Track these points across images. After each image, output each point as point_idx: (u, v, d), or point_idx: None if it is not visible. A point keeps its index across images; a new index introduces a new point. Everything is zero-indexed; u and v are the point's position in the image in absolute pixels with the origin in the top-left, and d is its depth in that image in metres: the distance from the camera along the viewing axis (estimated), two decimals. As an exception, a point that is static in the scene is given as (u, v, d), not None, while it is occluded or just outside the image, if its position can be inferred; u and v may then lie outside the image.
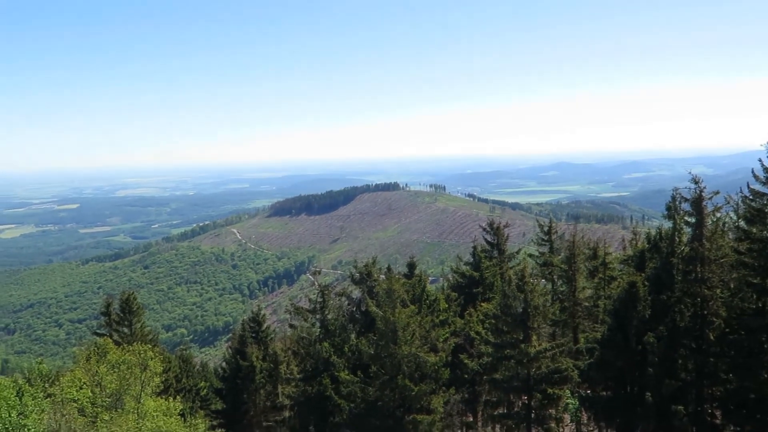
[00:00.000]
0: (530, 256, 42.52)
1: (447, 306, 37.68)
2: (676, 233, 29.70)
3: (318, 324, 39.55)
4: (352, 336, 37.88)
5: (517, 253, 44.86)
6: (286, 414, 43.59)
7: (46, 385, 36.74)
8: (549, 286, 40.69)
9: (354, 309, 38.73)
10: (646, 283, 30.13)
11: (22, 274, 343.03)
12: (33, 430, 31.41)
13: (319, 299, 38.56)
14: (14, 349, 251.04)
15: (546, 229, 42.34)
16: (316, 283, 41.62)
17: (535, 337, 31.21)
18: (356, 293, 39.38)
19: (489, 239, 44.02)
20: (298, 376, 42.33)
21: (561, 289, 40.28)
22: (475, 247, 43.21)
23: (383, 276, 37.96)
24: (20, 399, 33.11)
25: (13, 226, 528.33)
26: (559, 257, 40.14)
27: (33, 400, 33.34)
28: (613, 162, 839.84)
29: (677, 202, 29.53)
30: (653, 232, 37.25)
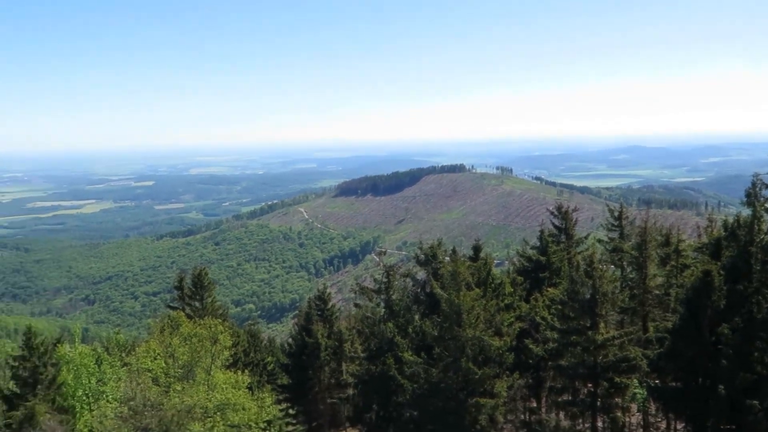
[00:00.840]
0: (599, 241, 41.59)
1: (512, 290, 37.34)
2: (756, 221, 28.46)
3: (382, 304, 39.87)
4: (416, 317, 38.04)
5: (586, 238, 43.95)
6: (350, 392, 44.28)
7: (123, 355, 38.49)
8: (618, 273, 39.73)
9: (418, 290, 38.83)
10: (722, 272, 29.06)
11: (101, 248, 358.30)
12: (110, 396, 33.05)
13: (384, 279, 38.81)
14: (93, 318, 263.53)
15: (616, 214, 41.28)
16: (381, 264, 41.96)
17: (602, 325, 30.62)
18: (421, 274, 39.46)
19: (557, 223, 43.27)
20: (362, 354, 42.88)
21: (630, 276, 39.28)
22: (542, 231, 42.55)
23: (448, 258, 37.91)
24: (99, 367, 34.88)
25: (93, 201, 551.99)
26: (630, 243, 39.09)
27: (111, 368, 35.07)
28: (689, 146, 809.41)
29: (758, 189, 28.26)
30: (730, 219, 35.81)
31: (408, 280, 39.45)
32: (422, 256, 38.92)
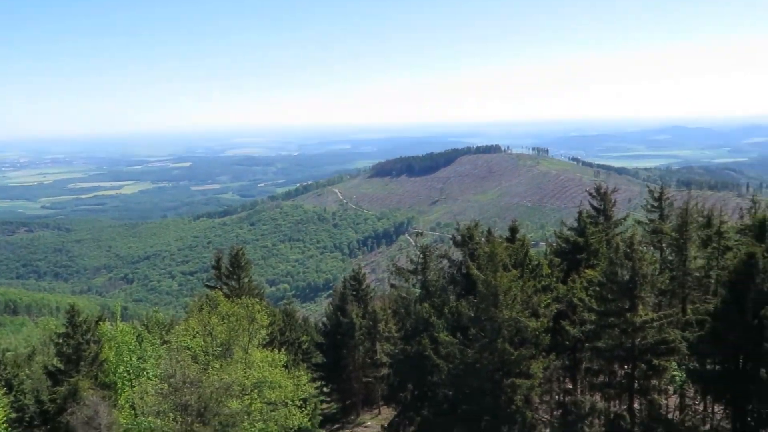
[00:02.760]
0: (638, 222, 40.87)
1: (550, 271, 36.97)
2: (804, 202, 27.67)
3: (418, 284, 39.88)
4: (452, 298, 37.96)
5: (624, 219, 43.23)
6: (385, 371, 44.58)
7: (163, 333, 39.29)
8: (657, 255, 39.06)
9: (455, 271, 38.71)
10: (766, 254, 28.35)
11: (139, 228, 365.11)
12: (151, 373, 33.79)
13: (421, 260, 38.79)
14: (132, 297, 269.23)
15: (656, 195, 40.45)
16: (416, 244, 41.88)
17: (641, 307, 30.14)
18: (457, 255, 39.32)
19: (595, 204, 42.63)
20: (396, 334, 43.06)
21: (670, 258, 38.57)
22: (580, 212, 41.96)
23: (485, 239, 37.68)
24: (140, 344, 35.65)
25: (132, 182, 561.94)
26: (670, 225, 38.34)
27: (151, 346, 35.82)
28: (731, 126, 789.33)
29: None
30: (776, 200, 34.90)
31: (444, 260, 39.34)
32: (459, 237, 38.74)
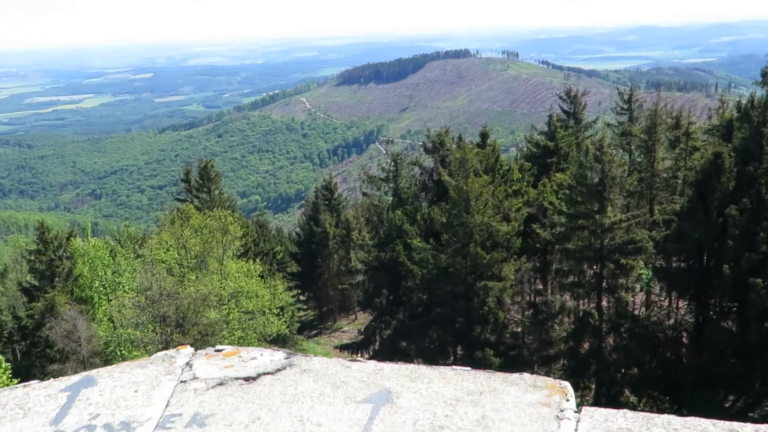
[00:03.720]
0: (608, 125, 41.06)
1: (520, 176, 37.28)
2: (771, 101, 27.89)
3: (390, 192, 39.98)
4: (425, 205, 38.24)
5: (594, 122, 43.39)
6: (360, 278, 45.35)
7: (136, 247, 39.16)
8: (626, 157, 39.51)
9: (426, 178, 38.79)
10: (733, 154, 28.81)
11: (104, 142, 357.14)
12: (127, 287, 33.89)
13: (392, 168, 38.71)
14: (102, 213, 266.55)
15: (626, 97, 40.50)
16: (387, 152, 41.67)
17: (610, 208, 30.71)
18: (428, 162, 39.31)
19: (565, 108, 42.61)
20: (370, 242, 43.56)
21: (639, 159, 39.06)
22: (550, 116, 41.95)
23: (456, 145, 37.60)
24: (113, 259, 35.56)
25: (91, 95, 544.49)
26: (639, 127, 38.60)
27: (125, 260, 35.75)
28: (702, 25, 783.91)
29: (775, 67, 27.50)
30: (743, 100, 35.11)
31: (415, 168, 39.33)
32: (429, 144, 38.60)
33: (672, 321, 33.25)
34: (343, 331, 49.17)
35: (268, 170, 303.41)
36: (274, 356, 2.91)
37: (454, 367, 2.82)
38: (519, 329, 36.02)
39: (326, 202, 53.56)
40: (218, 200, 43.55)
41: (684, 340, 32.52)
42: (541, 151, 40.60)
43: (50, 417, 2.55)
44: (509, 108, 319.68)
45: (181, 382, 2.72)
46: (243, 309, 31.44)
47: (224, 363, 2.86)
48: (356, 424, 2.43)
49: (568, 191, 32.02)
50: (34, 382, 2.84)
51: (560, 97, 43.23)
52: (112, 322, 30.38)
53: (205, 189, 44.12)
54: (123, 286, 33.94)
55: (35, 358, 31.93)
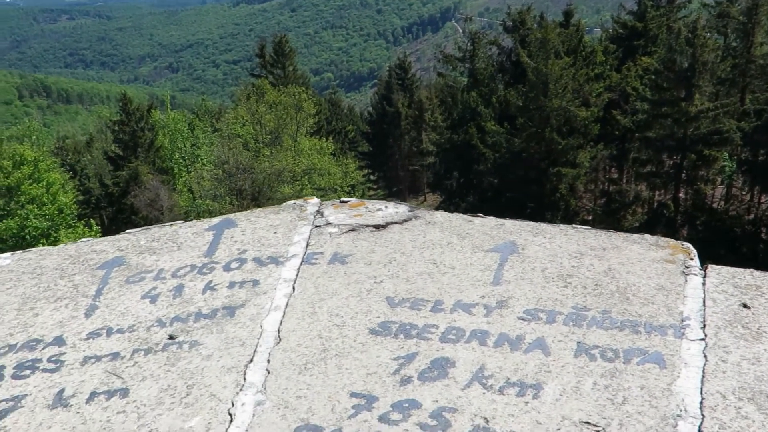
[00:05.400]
0: (703, 5, 38.17)
1: (604, 59, 35.48)
2: None
3: (466, 73, 38.93)
4: (501, 87, 37.15)
5: (689, 2, 40.35)
6: (430, 159, 45.29)
7: (213, 121, 40.05)
8: (721, 41, 36.89)
9: (504, 59, 37.43)
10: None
11: (180, 15, 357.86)
12: (205, 160, 35.01)
13: (469, 47, 37.45)
14: (178, 87, 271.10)
15: (728, -26, 37.27)
16: (464, 31, 40.23)
17: (697, 96, 29.13)
18: (507, 42, 37.80)
19: (658, -15, 39.67)
20: (442, 124, 43.03)
21: (734, 44, 36.42)
22: (641, -5, 39.22)
23: (537, 25, 35.88)
24: (192, 132, 36.58)
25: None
26: (738, 8, 35.72)
27: (203, 133, 36.73)
28: None
29: None
30: None
31: (493, 47, 37.92)
32: (509, 22, 36.93)
33: (752, 216, 32.15)
34: (411, 211, 49.76)
35: (341, 47, 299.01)
36: (399, 208, 3.08)
37: (575, 225, 2.92)
38: (590, 217, 35.62)
39: (399, 82, 52.74)
40: (292, 77, 43.51)
41: (763, 236, 31.52)
42: (628, 32, 38.30)
43: (202, 250, 2.83)
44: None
45: (316, 226, 2.95)
46: (315, 186, 32.12)
47: (352, 212, 3.06)
48: (487, 268, 2.56)
49: (653, 76, 30.47)
50: (179, 222, 3.14)
51: (653, -27, 40.16)
52: (191, 192, 31.69)
53: (279, 65, 44.04)
54: (201, 159, 35.08)
55: (121, 224, 33.88)
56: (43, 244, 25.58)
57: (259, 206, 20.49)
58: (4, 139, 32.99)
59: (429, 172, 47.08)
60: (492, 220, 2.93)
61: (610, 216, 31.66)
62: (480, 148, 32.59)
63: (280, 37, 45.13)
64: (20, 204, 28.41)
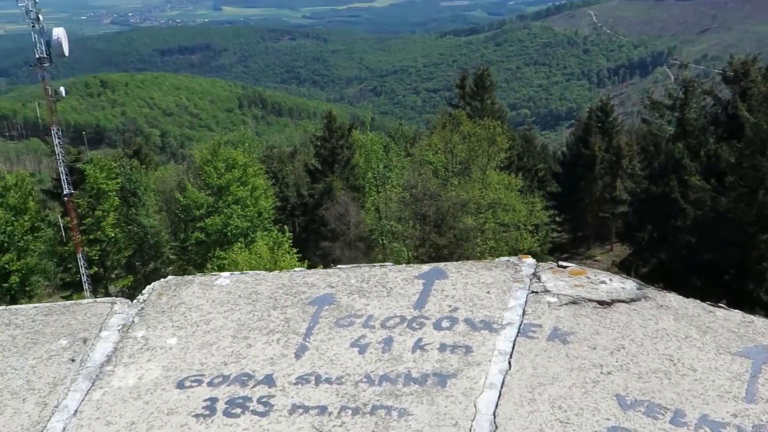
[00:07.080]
0: None
1: (839, 120, 31.80)
2: None
3: (674, 122, 36.70)
4: (711, 140, 34.52)
5: None
6: (623, 208, 43.12)
7: (407, 145, 41.31)
8: None
9: (719, 111, 34.72)
10: None
11: (389, 42, 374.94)
12: (395, 182, 36.15)
13: (681, 95, 35.28)
14: (379, 109, 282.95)
15: None
16: (676, 78, 38.05)
17: None
18: (724, 93, 35.10)
19: None
20: (640, 172, 40.82)
21: None
22: None
23: (762, 77, 33.00)
24: (386, 154, 37.97)
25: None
26: None
27: (396, 156, 37.97)
28: None
29: None
30: None
31: (708, 98, 35.38)
32: (730, 73, 34.25)
33: None
34: (595, 260, 47.65)
35: (542, 84, 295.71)
36: (625, 284, 2.76)
37: None
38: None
39: (599, 124, 50.91)
40: (489, 109, 43.73)
41: None
42: None
43: (411, 300, 2.71)
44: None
45: (533, 292, 2.70)
46: (499, 220, 31.89)
47: (573, 281, 2.78)
48: (737, 377, 2.18)
49: None
50: (388, 264, 3.06)
51: None
52: (378, 212, 32.82)
53: (478, 97, 44.47)
54: (391, 181, 36.26)
55: (310, 233, 35.96)
56: (241, 243, 27.84)
57: (440, 234, 20.58)
58: (222, 143, 36.45)
59: (620, 221, 44.84)
60: (738, 315, 2.54)
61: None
62: (680, 203, 30.46)
63: (482, 69, 45.64)
64: (227, 203, 31.19)
